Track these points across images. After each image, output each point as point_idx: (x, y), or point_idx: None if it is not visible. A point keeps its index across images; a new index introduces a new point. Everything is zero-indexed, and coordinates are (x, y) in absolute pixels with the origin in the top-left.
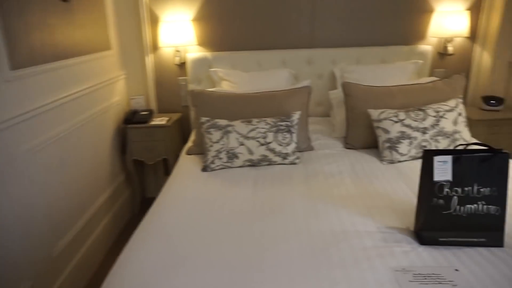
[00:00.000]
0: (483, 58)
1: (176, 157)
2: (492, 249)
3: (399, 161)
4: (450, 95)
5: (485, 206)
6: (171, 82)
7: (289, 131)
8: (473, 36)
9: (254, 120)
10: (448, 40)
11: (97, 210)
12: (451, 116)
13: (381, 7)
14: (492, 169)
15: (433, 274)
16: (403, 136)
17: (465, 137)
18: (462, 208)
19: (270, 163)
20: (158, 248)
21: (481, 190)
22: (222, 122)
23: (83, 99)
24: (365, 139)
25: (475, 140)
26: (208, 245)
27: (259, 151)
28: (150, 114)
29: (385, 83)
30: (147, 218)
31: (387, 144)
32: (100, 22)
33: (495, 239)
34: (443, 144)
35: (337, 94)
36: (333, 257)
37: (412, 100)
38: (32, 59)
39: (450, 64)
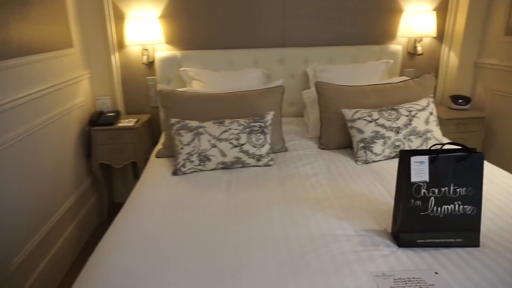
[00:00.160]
0: (450, 58)
1: (145, 160)
2: (469, 249)
3: (374, 161)
4: (421, 94)
5: (461, 206)
6: (139, 82)
7: (263, 132)
8: (440, 36)
9: (227, 121)
10: (418, 40)
11: (60, 218)
12: (423, 115)
13: (352, 7)
14: (468, 169)
15: (413, 278)
16: (377, 135)
17: (437, 136)
18: (439, 208)
19: (244, 165)
20: (125, 260)
21: (457, 190)
22: (193, 123)
23: (42, 100)
24: (339, 139)
25: (446, 139)
26: (180, 254)
27: (232, 153)
28: (117, 116)
29: (357, 83)
30: (113, 227)
31: (362, 144)
32: (60, 18)
33: (471, 239)
34: (415, 143)
35: (310, 94)
36: (312, 263)
37: (384, 99)
38: None
39: (420, 64)
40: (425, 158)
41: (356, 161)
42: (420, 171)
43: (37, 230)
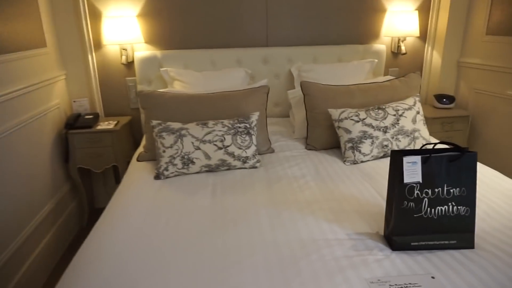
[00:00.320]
0: (434, 57)
1: (127, 164)
2: (464, 251)
3: (362, 161)
4: (408, 93)
5: (455, 207)
6: (118, 83)
7: (248, 133)
8: (423, 36)
9: (210, 123)
10: (401, 40)
11: (37, 226)
12: (410, 114)
13: (336, 5)
14: (461, 168)
15: (410, 283)
16: (365, 135)
17: (424, 135)
18: (432, 210)
19: (230, 168)
20: (104, 273)
21: (451, 190)
22: (175, 125)
23: (13, 103)
24: (326, 139)
25: (434, 138)
26: (164, 263)
27: (217, 156)
28: (96, 118)
29: (343, 82)
30: (91, 236)
31: (349, 145)
32: (31, 16)
33: (466, 241)
34: (403, 143)
35: (295, 94)
36: (304, 270)
37: (371, 99)
38: None
39: (404, 64)
40: (418, 158)
41: (344, 161)
42: (412, 171)
43: (13, 238)
